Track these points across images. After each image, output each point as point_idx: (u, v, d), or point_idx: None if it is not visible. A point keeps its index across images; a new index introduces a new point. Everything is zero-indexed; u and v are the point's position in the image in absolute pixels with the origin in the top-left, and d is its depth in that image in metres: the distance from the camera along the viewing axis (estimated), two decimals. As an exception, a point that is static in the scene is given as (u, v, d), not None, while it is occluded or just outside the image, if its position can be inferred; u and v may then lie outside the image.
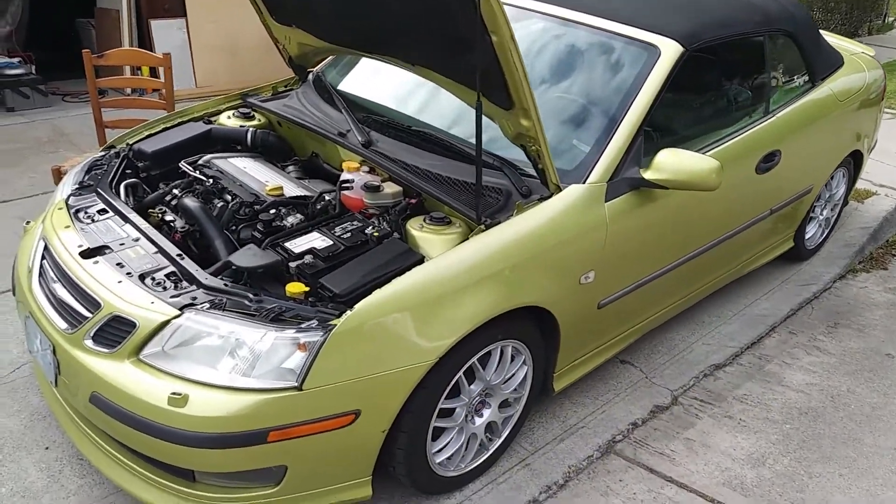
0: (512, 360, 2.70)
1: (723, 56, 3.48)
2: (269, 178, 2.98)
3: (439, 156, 2.88)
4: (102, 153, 3.17)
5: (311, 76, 3.70)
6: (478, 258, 2.42)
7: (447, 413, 2.55)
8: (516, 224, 2.53)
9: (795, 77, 4.03)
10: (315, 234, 2.52)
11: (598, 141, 2.85)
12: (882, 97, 4.80)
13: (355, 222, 2.60)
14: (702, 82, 3.37)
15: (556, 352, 2.86)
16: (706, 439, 3.15)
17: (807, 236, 4.61)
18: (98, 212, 2.71)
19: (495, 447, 2.83)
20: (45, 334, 2.42)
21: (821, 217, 4.71)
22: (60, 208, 2.73)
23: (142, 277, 2.36)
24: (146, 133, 3.28)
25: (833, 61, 4.37)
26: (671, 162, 2.82)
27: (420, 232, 2.55)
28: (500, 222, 2.52)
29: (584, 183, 2.75)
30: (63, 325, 2.36)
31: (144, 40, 7.03)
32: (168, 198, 2.91)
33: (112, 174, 2.96)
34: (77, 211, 2.71)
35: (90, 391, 2.24)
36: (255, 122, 3.40)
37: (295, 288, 2.30)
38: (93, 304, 2.31)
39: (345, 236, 2.51)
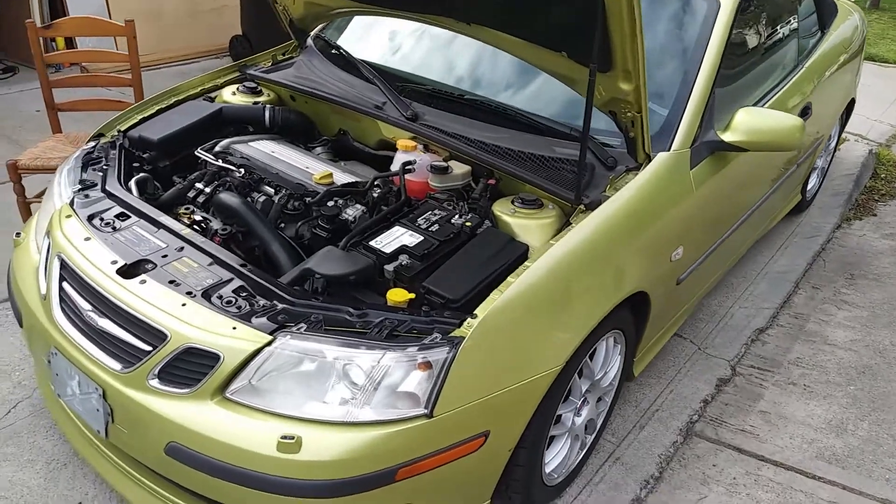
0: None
1: (764, 3, 3.29)
2: (306, 163, 2.57)
3: (499, 127, 2.56)
4: (93, 144, 2.65)
5: (309, 41, 3.25)
6: (591, 245, 2.14)
7: (558, 418, 2.28)
8: (616, 202, 2.26)
9: (810, 26, 3.91)
10: (398, 229, 2.16)
11: (676, 102, 2.60)
12: (863, 42, 4.80)
13: (437, 211, 2.25)
14: (747, 33, 3.17)
15: (642, 336, 2.64)
16: (780, 410, 3.04)
17: (808, 187, 4.57)
18: (117, 217, 2.24)
19: (589, 445, 2.59)
20: (86, 376, 1.97)
21: (819, 166, 4.68)
22: (68, 215, 2.23)
23: (206, 296, 1.94)
24: (138, 117, 2.78)
25: (833, 8, 4.29)
26: (751, 121, 2.61)
27: (513, 218, 2.23)
28: (600, 202, 2.24)
29: (668, 150, 2.50)
30: (115, 364, 1.92)
31: (56, 7, 6.20)
32: (192, 194, 2.45)
33: (117, 169, 2.47)
34: (90, 217, 2.23)
35: (165, 441, 1.82)
36: (264, 98, 2.95)
37: (398, 296, 1.95)
38: (155, 335, 1.88)
39: (433, 229, 2.16)
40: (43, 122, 4.80)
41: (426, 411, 1.80)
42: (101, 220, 2.22)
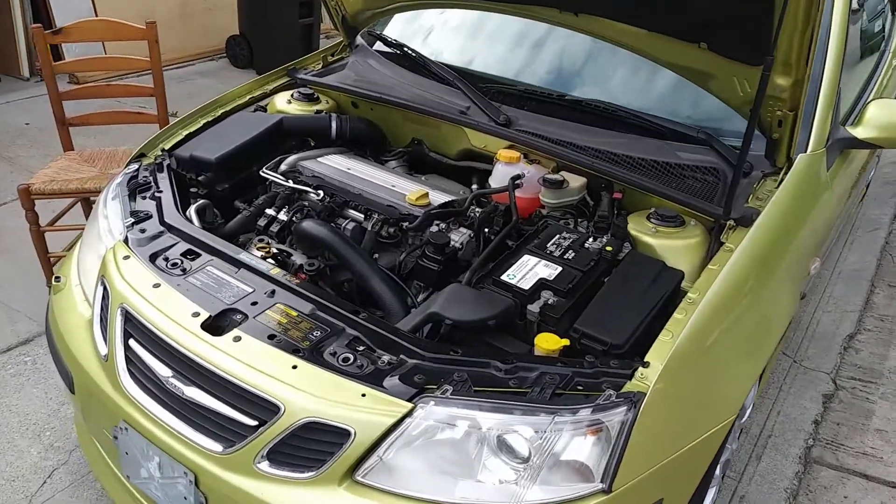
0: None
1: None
2: (390, 180, 2.22)
3: (609, 131, 2.24)
4: (135, 166, 2.27)
5: (360, 39, 2.90)
6: (758, 268, 1.84)
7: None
8: (772, 215, 1.95)
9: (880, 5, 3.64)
10: (528, 259, 1.82)
11: (807, 96, 2.29)
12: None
13: (566, 234, 1.92)
14: (853, 18, 2.89)
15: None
16: (898, 427, 2.78)
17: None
18: (185, 255, 1.87)
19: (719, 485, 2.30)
20: (171, 457, 1.61)
21: (875, 155, 4.44)
22: (126, 256, 1.86)
23: (318, 353, 1.59)
24: (183, 133, 2.40)
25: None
26: (887, 115, 2.32)
27: (655, 238, 1.91)
28: (751, 217, 1.93)
29: (806, 151, 2.19)
30: (211, 443, 1.56)
31: (39, 10, 5.73)
32: (263, 222, 2.09)
33: (172, 196, 2.09)
34: (153, 257, 1.86)
35: (284, 540, 1.48)
36: (323, 106, 2.59)
37: (550, 343, 1.61)
38: (263, 407, 1.52)
39: (568, 257, 1.83)
40: (36, 137, 4.40)
41: (603, 486, 1.48)
42: (167, 260, 1.86)
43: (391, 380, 1.52)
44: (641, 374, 1.53)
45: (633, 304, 1.69)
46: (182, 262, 1.84)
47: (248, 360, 1.57)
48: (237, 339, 1.61)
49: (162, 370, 1.65)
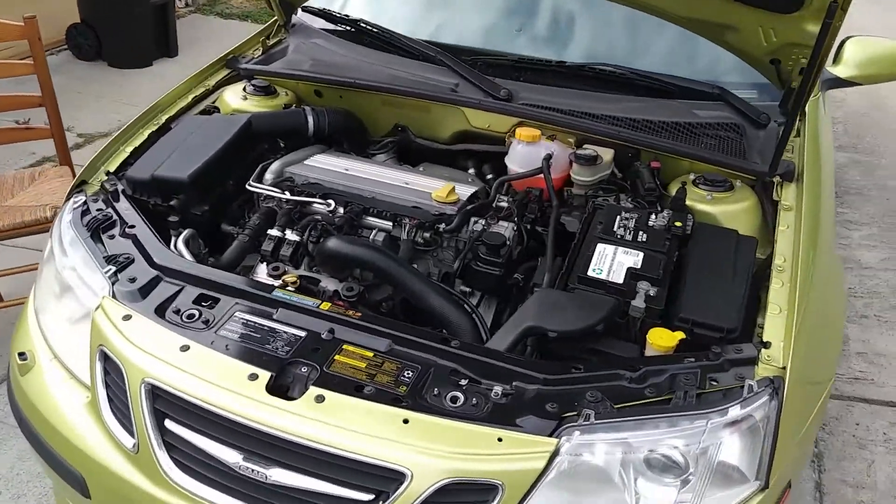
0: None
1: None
2: (400, 177, 1.96)
3: (619, 95, 2.11)
4: (80, 198, 1.83)
5: (301, 16, 2.55)
6: (815, 225, 1.78)
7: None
8: (811, 166, 1.91)
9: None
10: (604, 248, 1.64)
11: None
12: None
13: (625, 214, 1.75)
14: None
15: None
16: (873, 348, 2.92)
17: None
18: (199, 302, 1.52)
19: None
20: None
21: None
22: (127, 315, 1.48)
23: (421, 399, 1.34)
24: (128, 150, 1.98)
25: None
26: (864, 52, 2.36)
27: (712, 205, 1.81)
28: (793, 171, 1.87)
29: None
30: (323, 532, 1.28)
31: None
32: (268, 246, 1.76)
33: (150, 230, 1.71)
34: (160, 311, 1.50)
35: None
36: (283, 99, 2.24)
37: (665, 338, 1.46)
38: (381, 477, 1.26)
39: (641, 239, 1.67)
40: None
41: (760, 483, 1.36)
42: (178, 312, 1.50)
43: (525, 417, 1.31)
44: (767, 356, 1.42)
45: (728, 282, 1.58)
46: (201, 313, 1.50)
47: (343, 422, 1.29)
48: (319, 398, 1.32)
49: (228, 455, 1.33)
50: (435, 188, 1.89)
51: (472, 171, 2.21)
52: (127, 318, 1.48)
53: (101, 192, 1.85)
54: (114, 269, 1.59)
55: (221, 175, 1.91)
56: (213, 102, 2.21)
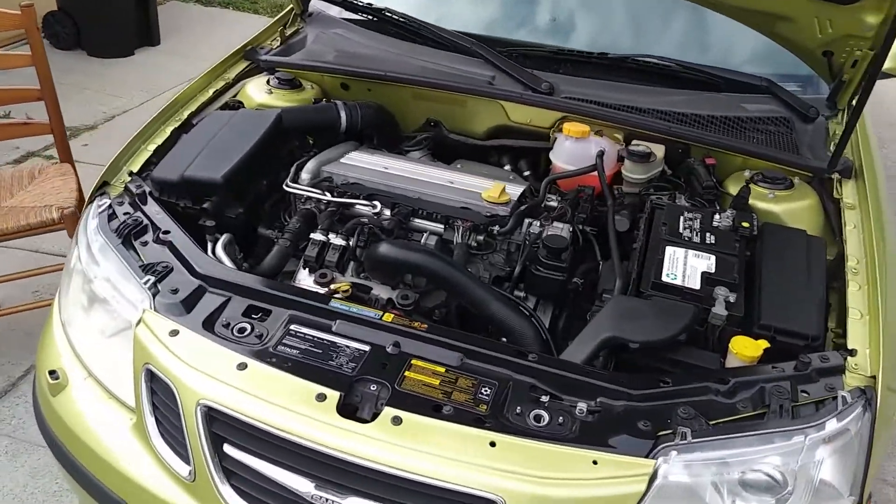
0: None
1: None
2: (444, 175, 1.86)
3: (664, 88, 2.04)
4: (105, 201, 1.70)
5: (318, 3, 2.42)
6: (881, 223, 1.72)
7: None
8: (869, 162, 1.86)
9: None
10: (674, 251, 1.56)
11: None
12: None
13: (688, 215, 1.68)
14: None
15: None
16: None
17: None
18: (249, 315, 1.41)
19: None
20: None
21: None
22: (174, 331, 1.36)
23: (503, 417, 1.25)
24: (149, 147, 1.85)
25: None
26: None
27: (775, 204, 1.75)
28: (851, 167, 1.82)
29: (850, 87, 2.12)
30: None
31: None
32: (312, 251, 1.65)
33: (187, 236, 1.59)
34: (207, 325, 1.38)
35: None
36: (310, 92, 2.12)
37: (749, 347, 1.39)
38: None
39: (710, 241, 1.60)
40: None
41: (854, 499, 1.30)
42: (228, 326, 1.39)
43: (618, 437, 1.23)
44: (854, 365, 1.36)
45: (805, 286, 1.51)
46: (253, 326, 1.39)
47: (425, 446, 1.20)
48: (396, 420, 1.22)
49: (297, 483, 1.23)
50: (481, 187, 1.80)
51: (507, 167, 2.12)
52: (174, 333, 1.37)
53: (126, 195, 1.72)
54: (153, 279, 1.47)
55: (255, 175, 1.80)
56: (235, 96, 2.09)
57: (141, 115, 4.53)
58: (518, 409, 1.26)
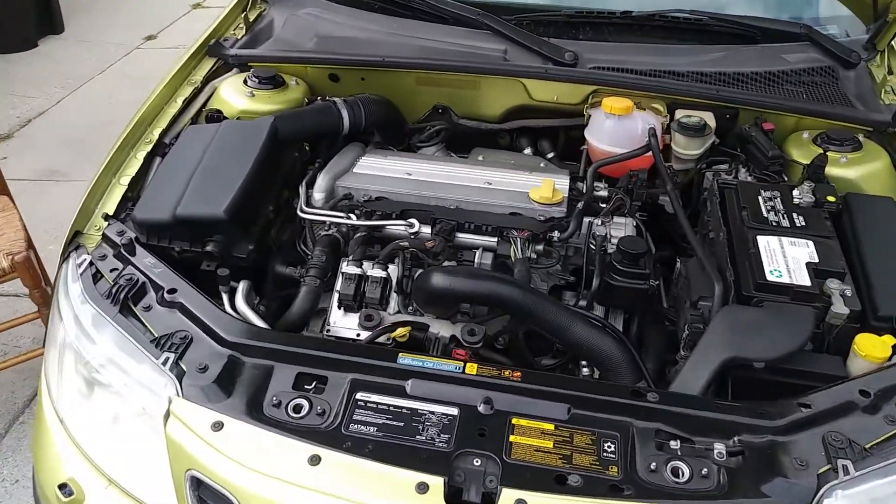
0: None
1: None
2: (477, 175, 1.62)
3: (698, 45, 1.85)
4: (83, 257, 1.39)
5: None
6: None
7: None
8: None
9: None
10: (767, 240, 1.37)
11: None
12: None
13: (765, 193, 1.49)
14: None
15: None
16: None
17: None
18: (302, 387, 1.16)
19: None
20: None
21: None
22: (218, 423, 1.10)
23: (639, 479, 1.05)
24: (123, 180, 1.53)
25: None
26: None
27: (849, 169, 1.59)
28: (907, 115, 1.67)
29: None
30: None
31: None
32: (347, 288, 1.40)
33: (196, 292, 1.31)
34: (253, 409, 1.13)
35: None
36: (294, 92, 1.82)
37: (877, 347, 1.23)
38: None
39: (799, 223, 1.42)
40: None
41: None
42: (280, 405, 1.14)
43: (768, 480, 1.05)
44: None
45: (908, 266, 1.35)
46: (311, 402, 1.14)
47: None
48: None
49: None
50: (524, 185, 1.57)
51: (527, 150, 1.89)
52: (217, 426, 1.11)
53: (107, 245, 1.41)
54: (172, 356, 1.19)
55: (259, 201, 1.51)
56: (209, 104, 1.76)
57: (63, 114, 4.07)
58: (652, 465, 1.07)
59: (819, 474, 1.06)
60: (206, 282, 1.39)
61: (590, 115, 1.73)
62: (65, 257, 1.42)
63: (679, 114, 1.66)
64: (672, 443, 1.10)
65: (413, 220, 1.46)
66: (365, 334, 1.38)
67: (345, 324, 1.41)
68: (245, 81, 1.78)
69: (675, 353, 1.47)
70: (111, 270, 1.36)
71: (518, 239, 1.43)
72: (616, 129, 1.65)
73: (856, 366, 1.25)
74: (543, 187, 1.51)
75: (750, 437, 1.10)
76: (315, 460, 1.06)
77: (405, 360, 1.20)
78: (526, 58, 1.77)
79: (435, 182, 1.58)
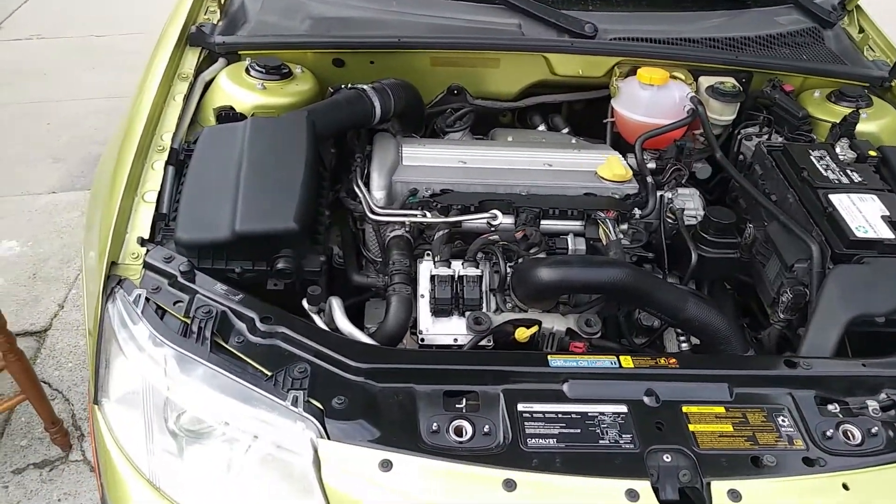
0: None
1: None
2: (534, 158, 1.55)
3: (696, 12, 1.88)
4: (136, 293, 1.17)
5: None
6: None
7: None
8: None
9: None
10: (839, 198, 1.40)
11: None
12: None
13: (814, 152, 1.53)
14: None
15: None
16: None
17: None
18: (454, 406, 1.05)
19: None
20: None
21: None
22: (386, 464, 0.97)
23: (821, 444, 1.05)
24: (147, 196, 1.31)
25: None
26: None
27: (871, 123, 1.69)
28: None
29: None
30: None
31: None
32: (442, 292, 1.29)
33: (290, 316, 1.15)
34: (415, 438, 1.01)
35: None
36: (304, 81, 1.63)
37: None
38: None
39: (857, 179, 1.46)
40: None
41: None
42: (439, 430, 1.02)
43: None
44: None
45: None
46: (473, 422, 1.04)
47: (780, 514, 0.98)
48: (734, 495, 0.98)
49: None
50: (583, 165, 1.51)
51: (542, 127, 1.84)
52: (385, 465, 0.98)
53: (156, 274, 1.20)
54: (300, 394, 1.04)
55: (319, 207, 1.35)
56: (213, 100, 1.54)
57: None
58: (828, 431, 1.08)
59: (971, 414, 1.12)
60: (272, 304, 1.22)
61: (618, 87, 1.70)
62: (108, 295, 1.19)
63: (709, 80, 1.68)
64: (830, 406, 1.12)
65: (496, 212, 1.36)
66: (463, 339, 1.28)
67: (439, 329, 1.30)
68: (248, 72, 1.58)
69: (744, 318, 1.50)
70: (175, 304, 1.15)
71: (607, 220, 1.38)
72: (653, 99, 1.64)
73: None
74: (613, 164, 1.47)
75: (894, 389, 1.14)
76: (510, 485, 0.97)
77: (557, 361, 1.12)
78: (542, 31, 1.71)
79: (495, 168, 1.48)
